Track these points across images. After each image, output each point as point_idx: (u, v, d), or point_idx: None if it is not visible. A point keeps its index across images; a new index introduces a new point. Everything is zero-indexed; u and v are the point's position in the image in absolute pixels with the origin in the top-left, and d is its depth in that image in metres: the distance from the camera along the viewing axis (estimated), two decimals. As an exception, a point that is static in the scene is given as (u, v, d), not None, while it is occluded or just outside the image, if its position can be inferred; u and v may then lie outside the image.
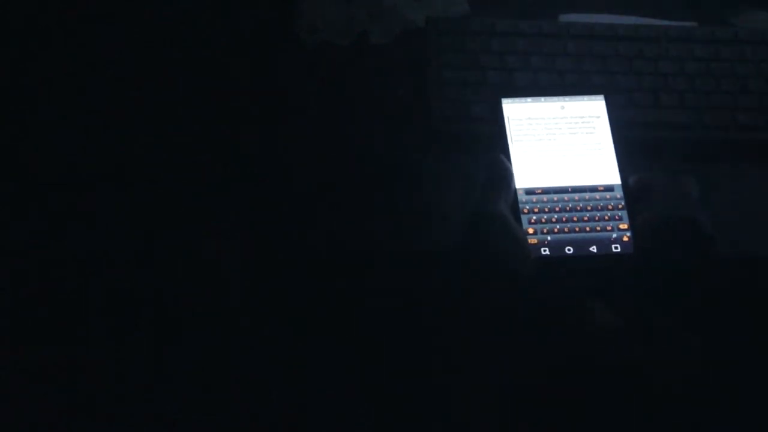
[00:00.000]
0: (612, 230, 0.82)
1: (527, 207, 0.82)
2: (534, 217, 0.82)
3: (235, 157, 0.94)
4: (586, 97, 0.88)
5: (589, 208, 0.83)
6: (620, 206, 0.83)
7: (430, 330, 0.86)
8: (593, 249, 0.81)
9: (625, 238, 0.82)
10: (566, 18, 1.06)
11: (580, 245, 0.81)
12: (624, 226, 0.82)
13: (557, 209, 0.82)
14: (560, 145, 0.86)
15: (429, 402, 0.86)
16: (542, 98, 0.87)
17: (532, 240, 0.81)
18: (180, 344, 0.85)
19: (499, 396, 0.85)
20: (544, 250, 0.81)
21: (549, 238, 0.81)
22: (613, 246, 0.82)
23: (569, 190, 0.84)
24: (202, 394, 0.85)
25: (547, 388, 0.85)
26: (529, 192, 0.83)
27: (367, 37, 1.04)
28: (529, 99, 0.87)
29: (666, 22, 1.06)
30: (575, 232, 0.82)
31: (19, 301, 0.85)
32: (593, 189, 0.84)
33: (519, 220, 0.82)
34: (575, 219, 0.82)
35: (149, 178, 0.92)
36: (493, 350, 0.85)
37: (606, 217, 0.82)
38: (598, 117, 0.87)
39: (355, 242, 0.88)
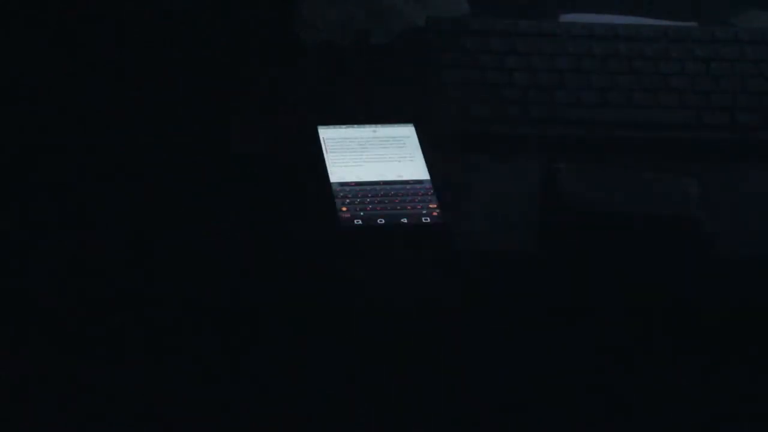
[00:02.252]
0: (423, 209, 0.89)
1: (341, 195, 0.90)
2: (348, 200, 0.89)
3: (235, 157, 0.94)
4: (396, 125, 0.96)
5: (401, 193, 0.90)
6: (429, 194, 0.90)
7: (430, 329, 0.86)
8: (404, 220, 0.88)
9: (435, 213, 0.89)
10: (566, 18, 1.06)
11: (392, 218, 0.88)
12: (433, 205, 0.89)
13: (370, 194, 0.90)
14: (373, 156, 0.94)
15: (429, 402, 0.86)
16: (355, 126, 0.96)
17: (345, 215, 0.88)
18: (180, 344, 0.85)
19: (499, 396, 0.85)
20: (357, 221, 0.87)
21: (362, 213, 0.88)
22: (423, 218, 0.88)
23: (381, 183, 0.91)
24: (202, 394, 0.85)
25: (546, 388, 0.85)
26: (344, 184, 0.91)
27: (367, 37, 1.04)
28: (342, 126, 0.96)
29: (666, 22, 1.06)
30: (387, 210, 0.89)
31: (19, 301, 0.85)
32: (404, 182, 0.91)
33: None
34: (387, 202, 0.89)
35: (149, 178, 0.92)
36: (494, 350, 0.85)
37: (417, 202, 0.90)
38: (408, 137, 0.95)
39: (354, 241, 0.88)
